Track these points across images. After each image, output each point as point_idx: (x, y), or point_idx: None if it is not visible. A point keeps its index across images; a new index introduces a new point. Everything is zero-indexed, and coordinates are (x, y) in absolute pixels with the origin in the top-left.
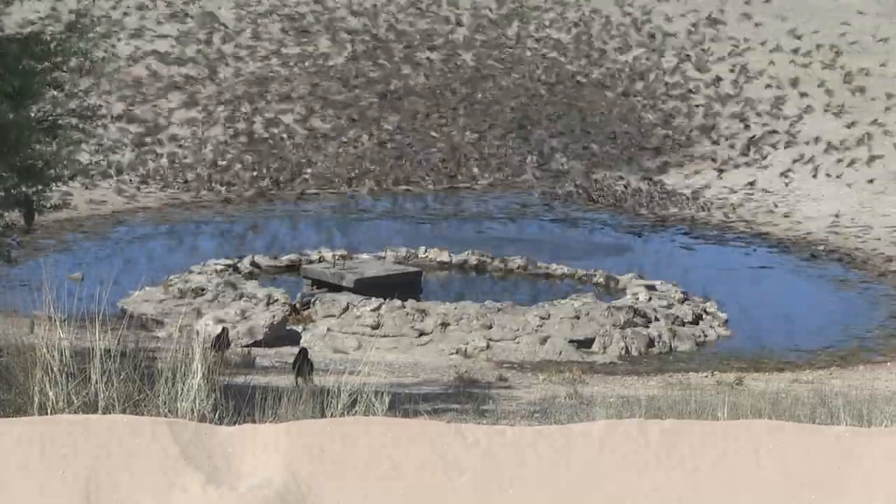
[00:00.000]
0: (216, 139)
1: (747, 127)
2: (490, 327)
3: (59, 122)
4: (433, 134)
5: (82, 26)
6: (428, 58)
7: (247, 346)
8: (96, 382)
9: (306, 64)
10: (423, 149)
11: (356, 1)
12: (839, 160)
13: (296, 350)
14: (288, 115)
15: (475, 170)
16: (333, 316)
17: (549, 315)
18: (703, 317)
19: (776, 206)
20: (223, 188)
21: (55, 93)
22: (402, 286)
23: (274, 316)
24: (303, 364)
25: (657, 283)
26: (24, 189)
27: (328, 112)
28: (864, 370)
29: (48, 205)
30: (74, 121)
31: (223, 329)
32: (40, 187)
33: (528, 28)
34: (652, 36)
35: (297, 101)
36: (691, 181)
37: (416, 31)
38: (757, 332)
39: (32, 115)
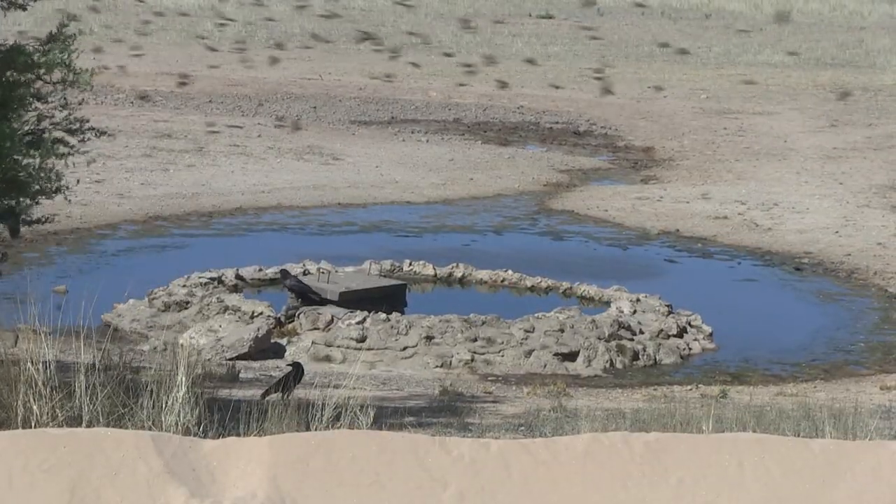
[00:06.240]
0: None
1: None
2: (475, 340)
3: (44, 134)
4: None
5: (64, 36)
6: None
7: (231, 359)
8: (80, 396)
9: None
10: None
11: None
12: (824, 173)
13: (282, 363)
14: None
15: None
16: (318, 329)
17: (534, 328)
18: (688, 330)
19: (760, 218)
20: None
21: (38, 104)
22: (387, 299)
23: (259, 329)
24: (288, 380)
25: (642, 295)
26: (8, 202)
27: None
28: (849, 383)
29: (33, 218)
30: (60, 133)
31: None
32: (25, 201)
33: None
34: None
35: None
36: (686, 192)
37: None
38: (742, 345)
39: (16, 127)
